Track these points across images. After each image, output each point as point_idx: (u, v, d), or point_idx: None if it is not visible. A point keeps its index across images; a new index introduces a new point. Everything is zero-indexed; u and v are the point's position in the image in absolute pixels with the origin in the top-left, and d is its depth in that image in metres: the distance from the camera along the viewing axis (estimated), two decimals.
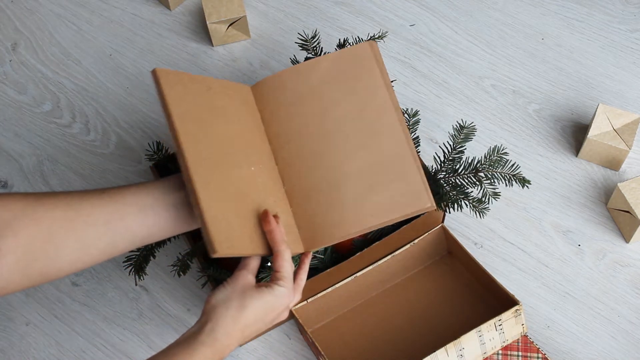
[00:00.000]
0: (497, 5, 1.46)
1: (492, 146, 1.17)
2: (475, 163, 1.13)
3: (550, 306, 1.21)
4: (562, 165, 1.31)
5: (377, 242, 1.12)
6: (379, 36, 1.22)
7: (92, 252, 0.89)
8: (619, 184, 1.23)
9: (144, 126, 1.37)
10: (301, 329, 1.17)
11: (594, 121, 1.27)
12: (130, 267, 1.14)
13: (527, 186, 1.13)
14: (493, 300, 1.17)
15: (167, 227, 0.92)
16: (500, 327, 1.11)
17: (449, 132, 1.22)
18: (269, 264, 1.06)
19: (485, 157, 1.13)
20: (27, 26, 1.47)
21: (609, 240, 1.25)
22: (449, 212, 1.21)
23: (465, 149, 1.15)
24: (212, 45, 1.43)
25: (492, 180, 1.12)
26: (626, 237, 1.25)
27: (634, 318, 1.20)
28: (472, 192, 1.14)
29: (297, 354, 1.19)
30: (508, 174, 1.12)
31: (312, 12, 1.47)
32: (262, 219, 0.93)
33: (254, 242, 0.91)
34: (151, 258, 1.15)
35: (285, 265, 0.92)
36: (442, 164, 1.15)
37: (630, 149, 1.26)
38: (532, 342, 1.16)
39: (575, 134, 1.34)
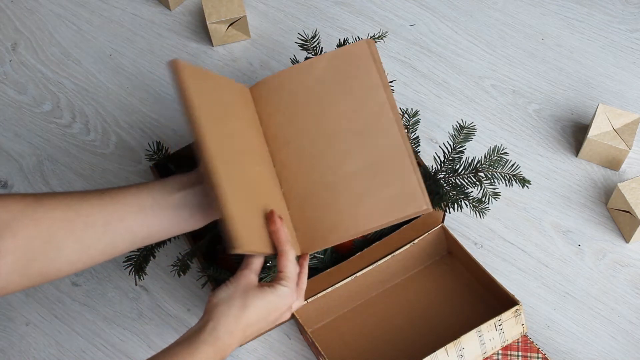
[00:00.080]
0: (497, 5, 1.46)
1: (492, 146, 1.17)
2: (475, 163, 1.13)
3: (550, 306, 1.21)
4: (562, 165, 1.32)
5: (377, 242, 1.12)
6: (379, 36, 1.22)
7: (91, 252, 0.88)
8: (619, 184, 1.23)
9: (144, 126, 1.37)
10: (301, 329, 1.17)
11: (594, 121, 1.27)
12: (130, 267, 1.14)
13: (527, 186, 1.13)
14: (493, 300, 1.17)
15: (167, 228, 0.92)
16: (500, 327, 1.11)
17: (449, 132, 1.22)
18: (269, 263, 1.06)
19: (485, 157, 1.13)
20: (27, 26, 1.47)
21: (609, 240, 1.25)
22: (449, 212, 1.21)
23: (465, 149, 1.15)
24: (212, 45, 1.43)
25: (492, 180, 1.12)
26: (626, 237, 1.25)
27: (634, 318, 1.20)
28: (472, 192, 1.14)
29: (297, 354, 1.19)
30: (508, 174, 1.12)
31: (312, 12, 1.47)
32: (269, 218, 0.93)
33: (264, 241, 0.92)
34: (151, 258, 1.15)
35: (289, 266, 0.92)
36: (442, 164, 1.15)
37: (630, 149, 1.26)
38: (532, 342, 1.16)
39: (575, 134, 1.34)
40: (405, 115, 1.18)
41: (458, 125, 1.15)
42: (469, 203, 1.12)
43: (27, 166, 1.34)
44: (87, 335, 1.22)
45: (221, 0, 1.39)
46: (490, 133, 1.34)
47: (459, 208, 1.13)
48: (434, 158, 1.16)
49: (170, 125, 1.37)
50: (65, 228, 0.86)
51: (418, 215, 0.97)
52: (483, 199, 1.12)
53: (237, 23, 1.40)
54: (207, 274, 1.11)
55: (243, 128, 0.97)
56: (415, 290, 1.21)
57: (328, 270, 1.11)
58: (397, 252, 1.18)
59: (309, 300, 1.15)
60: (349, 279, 1.17)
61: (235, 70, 1.41)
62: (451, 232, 1.21)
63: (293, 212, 0.98)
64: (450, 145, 1.15)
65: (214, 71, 1.41)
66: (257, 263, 0.92)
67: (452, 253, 1.23)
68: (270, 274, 1.05)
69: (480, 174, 1.12)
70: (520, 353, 1.15)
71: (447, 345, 1.08)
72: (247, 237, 0.87)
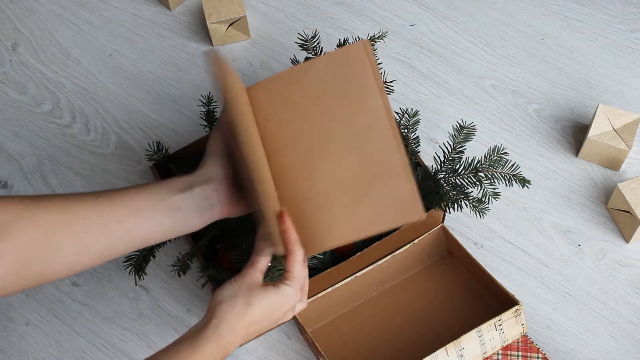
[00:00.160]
0: (497, 5, 1.46)
1: (492, 146, 1.17)
2: (475, 163, 1.13)
3: (550, 306, 1.21)
4: (562, 165, 1.32)
5: (377, 242, 1.12)
6: (379, 36, 1.22)
7: (89, 255, 0.88)
8: (619, 184, 1.23)
9: (144, 126, 1.37)
10: (301, 329, 1.17)
11: (594, 121, 1.27)
12: (130, 267, 1.14)
13: (527, 186, 1.13)
14: (493, 300, 1.17)
15: (165, 231, 0.92)
16: (500, 327, 1.11)
17: (449, 132, 1.22)
18: (269, 264, 1.06)
19: (485, 157, 1.13)
20: (27, 26, 1.47)
21: (609, 240, 1.25)
22: (449, 212, 1.21)
23: (465, 149, 1.15)
24: (212, 45, 1.43)
25: (492, 180, 1.12)
26: (626, 237, 1.25)
27: (634, 318, 1.20)
28: (472, 192, 1.14)
29: (297, 354, 1.19)
30: (508, 174, 1.12)
31: (312, 12, 1.47)
32: (279, 218, 0.93)
33: (279, 240, 0.92)
34: (151, 258, 1.15)
35: (296, 266, 0.92)
36: (442, 164, 1.15)
37: (630, 149, 1.26)
38: (532, 342, 1.16)
39: (575, 134, 1.34)
40: (405, 115, 1.17)
41: (458, 125, 1.15)
42: (469, 203, 1.12)
43: (27, 166, 1.34)
44: (87, 335, 1.22)
45: (221, 0, 1.39)
46: (490, 133, 1.34)
47: (459, 208, 1.13)
48: (434, 158, 1.16)
49: (170, 125, 1.37)
50: (63, 230, 0.86)
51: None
52: (483, 199, 1.12)
53: (237, 23, 1.40)
54: (207, 274, 1.11)
55: (254, 127, 0.98)
56: (415, 290, 1.21)
57: (328, 270, 1.11)
58: (397, 252, 1.18)
59: (309, 300, 1.15)
60: (349, 279, 1.17)
61: (236, 70, 1.41)
62: (451, 232, 1.21)
63: None
64: (450, 145, 1.15)
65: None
66: (263, 262, 0.92)
67: (452, 253, 1.23)
68: (269, 274, 1.05)
69: (480, 174, 1.12)
70: (520, 353, 1.15)
71: (447, 345, 1.08)
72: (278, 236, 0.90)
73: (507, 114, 1.36)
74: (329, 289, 1.16)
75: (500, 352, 1.15)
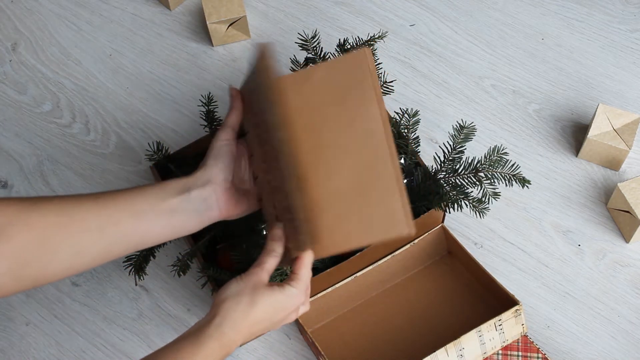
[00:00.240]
0: (497, 5, 1.46)
1: (492, 146, 1.17)
2: (475, 163, 1.13)
3: (550, 306, 1.21)
4: (562, 165, 1.32)
5: None
6: (379, 36, 1.22)
7: (85, 257, 0.88)
8: (619, 184, 1.23)
9: (144, 126, 1.37)
10: (301, 329, 1.17)
11: (594, 121, 1.27)
12: (130, 267, 1.14)
13: (527, 186, 1.13)
14: (493, 300, 1.17)
15: (162, 233, 0.92)
16: (500, 327, 1.11)
17: (449, 132, 1.22)
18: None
19: (485, 157, 1.13)
20: (27, 26, 1.47)
21: (609, 240, 1.25)
22: (449, 212, 1.21)
23: (465, 149, 1.15)
24: (212, 45, 1.43)
25: (492, 180, 1.12)
26: (626, 237, 1.25)
27: (634, 318, 1.20)
28: (472, 192, 1.14)
29: (297, 354, 1.19)
30: (508, 174, 1.12)
31: (312, 12, 1.47)
32: None
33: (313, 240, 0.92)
34: (151, 258, 1.15)
35: (304, 269, 0.92)
36: (442, 164, 1.15)
37: (630, 149, 1.26)
38: (532, 342, 1.16)
39: (575, 134, 1.34)
40: (405, 115, 1.17)
41: (458, 125, 1.15)
42: (469, 203, 1.12)
43: (27, 166, 1.34)
44: (87, 335, 1.22)
45: (221, 0, 1.39)
46: (490, 133, 1.34)
47: (459, 208, 1.13)
48: (434, 158, 1.16)
49: (170, 125, 1.37)
50: (60, 233, 0.86)
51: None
52: (483, 199, 1.12)
53: (237, 23, 1.40)
54: (207, 274, 1.11)
55: None
56: (415, 290, 1.21)
57: (328, 270, 1.11)
58: (397, 252, 1.18)
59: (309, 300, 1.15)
60: (349, 279, 1.17)
61: (235, 70, 1.41)
62: (451, 232, 1.21)
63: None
64: (450, 145, 1.15)
65: (214, 71, 1.41)
66: (271, 263, 0.92)
67: (452, 253, 1.23)
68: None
69: (480, 174, 1.12)
70: (520, 353, 1.15)
71: (447, 345, 1.08)
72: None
73: (507, 114, 1.36)
74: (329, 289, 1.16)
75: (500, 352, 1.15)
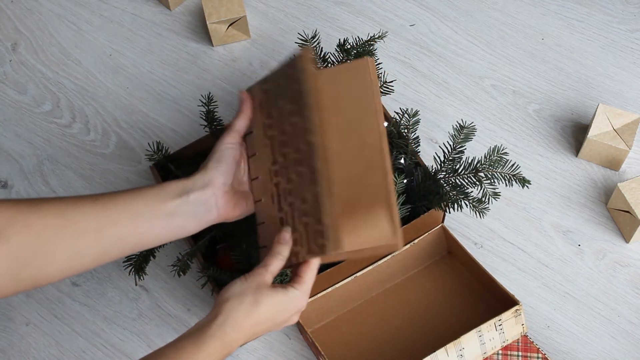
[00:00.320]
0: (497, 5, 1.46)
1: (492, 146, 1.17)
2: (475, 163, 1.13)
3: (550, 306, 1.21)
4: (562, 165, 1.31)
5: None
6: (379, 36, 1.22)
7: (83, 259, 0.88)
8: (619, 184, 1.22)
9: (144, 126, 1.37)
10: (301, 329, 1.17)
11: (594, 121, 1.27)
12: (130, 267, 1.14)
13: (527, 186, 1.13)
14: (493, 300, 1.17)
15: (160, 235, 0.92)
16: (500, 327, 1.11)
17: (449, 132, 1.22)
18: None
19: (485, 157, 1.13)
20: (27, 26, 1.47)
21: (609, 240, 1.25)
22: (449, 212, 1.21)
23: (465, 149, 1.15)
24: (212, 45, 1.43)
25: (492, 180, 1.12)
26: (626, 237, 1.25)
27: (634, 318, 1.20)
28: (472, 192, 1.14)
29: (297, 354, 1.19)
30: (508, 174, 1.12)
31: (312, 12, 1.47)
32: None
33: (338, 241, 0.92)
34: (151, 258, 1.15)
35: (309, 273, 0.92)
36: (442, 164, 1.15)
37: (630, 149, 1.26)
38: (532, 342, 1.16)
39: (575, 134, 1.34)
40: (405, 115, 1.17)
41: (458, 125, 1.15)
42: (469, 203, 1.12)
43: (27, 166, 1.34)
44: (87, 335, 1.22)
45: (221, 0, 1.39)
46: (490, 133, 1.34)
47: (459, 208, 1.13)
48: (434, 158, 1.16)
49: (170, 125, 1.37)
50: (57, 234, 0.86)
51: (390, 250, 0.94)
52: (483, 199, 1.12)
53: (237, 23, 1.40)
54: (207, 274, 1.11)
55: None
56: (415, 290, 1.21)
57: (328, 270, 1.11)
58: (397, 252, 1.18)
59: (309, 300, 1.15)
60: (349, 279, 1.17)
61: (235, 70, 1.41)
62: (451, 232, 1.21)
63: None
64: (450, 145, 1.15)
65: (214, 71, 1.41)
66: (276, 266, 0.92)
67: (452, 253, 1.23)
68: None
69: (480, 174, 1.12)
70: (520, 353, 1.15)
71: (447, 345, 1.08)
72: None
73: (507, 114, 1.36)
74: (329, 289, 1.16)
75: (500, 352, 1.15)
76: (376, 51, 1.23)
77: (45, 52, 1.44)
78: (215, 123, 1.19)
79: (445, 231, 1.21)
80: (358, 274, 1.17)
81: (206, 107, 1.20)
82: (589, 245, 1.25)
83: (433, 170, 1.15)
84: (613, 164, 1.29)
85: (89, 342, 1.21)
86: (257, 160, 0.99)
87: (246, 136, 1.01)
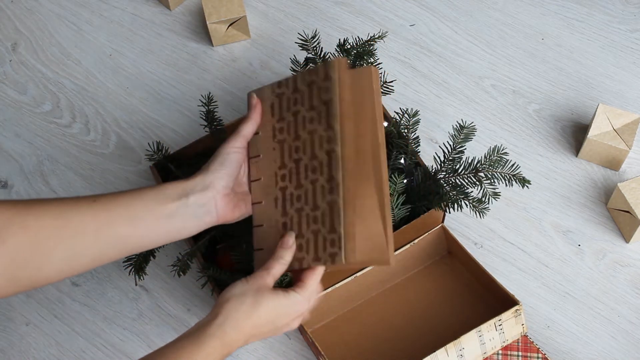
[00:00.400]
0: (497, 5, 1.46)
1: (492, 146, 1.17)
2: (475, 163, 1.13)
3: (550, 306, 1.21)
4: (562, 165, 1.31)
5: None
6: (379, 36, 1.22)
7: (81, 260, 0.88)
8: (619, 184, 1.22)
9: (144, 126, 1.37)
10: (301, 329, 1.17)
11: (594, 121, 1.27)
12: (130, 267, 1.14)
13: (527, 186, 1.13)
14: (493, 300, 1.17)
15: (159, 237, 0.92)
16: (500, 327, 1.11)
17: (449, 132, 1.22)
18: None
19: (485, 157, 1.13)
20: (27, 26, 1.47)
21: (609, 240, 1.25)
22: (449, 212, 1.21)
23: (465, 149, 1.15)
24: (212, 45, 1.43)
25: (492, 180, 1.12)
26: (626, 237, 1.25)
27: (634, 318, 1.20)
28: (472, 192, 1.14)
29: (297, 354, 1.19)
30: (508, 174, 1.12)
31: (312, 12, 1.47)
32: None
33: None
34: (151, 258, 1.15)
35: (313, 279, 0.92)
36: (442, 164, 1.15)
37: (630, 149, 1.26)
38: (532, 342, 1.16)
39: (575, 134, 1.34)
40: (405, 115, 1.17)
41: (458, 125, 1.15)
42: (469, 203, 1.12)
43: (27, 166, 1.34)
44: (87, 335, 1.22)
45: (221, 0, 1.39)
46: (490, 133, 1.34)
47: (459, 208, 1.13)
48: (434, 158, 1.16)
49: (170, 125, 1.37)
50: (55, 236, 0.86)
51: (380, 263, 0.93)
52: (483, 199, 1.12)
53: (237, 23, 1.40)
54: (207, 274, 1.11)
55: None
56: (415, 290, 1.21)
57: (328, 270, 1.11)
58: (397, 252, 1.18)
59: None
60: (349, 279, 1.17)
61: (235, 70, 1.41)
62: (451, 232, 1.21)
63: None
64: (450, 145, 1.15)
65: (214, 71, 1.41)
66: (278, 269, 0.92)
67: (452, 253, 1.23)
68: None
69: (480, 174, 1.12)
70: (520, 353, 1.15)
71: (447, 345, 1.08)
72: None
73: (507, 114, 1.36)
74: (329, 289, 1.16)
75: (500, 352, 1.15)
76: (376, 51, 1.22)
77: (45, 52, 1.44)
78: (215, 123, 1.19)
79: (445, 231, 1.21)
80: (358, 274, 1.17)
81: (206, 107, 1.20)
82: (589, 245, 1.25)
83: (433, 170, 1.15)
84: (613, 164, 1.29)
85: (89, 342, 1.21)
86: (260, 162, 0.99)
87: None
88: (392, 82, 1.27)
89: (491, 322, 1.10)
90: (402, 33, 1.44)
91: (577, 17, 1.44)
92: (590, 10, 1.45)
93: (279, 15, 1.46)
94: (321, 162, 0.92)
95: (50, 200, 0.88)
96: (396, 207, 1.12)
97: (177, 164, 1.21)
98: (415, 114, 1.18)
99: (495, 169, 1.12)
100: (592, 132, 1.27)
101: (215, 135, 1.19)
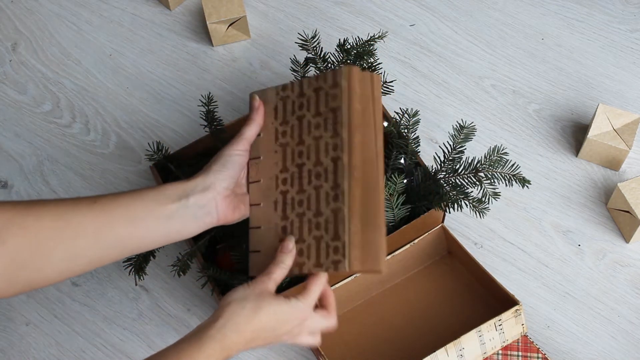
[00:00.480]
0: (497, 5, 1.46)
1: (492, 146, 1.17)
2: (475, 163, 1.13)
3: (550, 306, 1.21)
4: (562, 165, 1.31)
5: None
6: (379, 36, 1.22)
7: (80, 261, 0.88)
8: (619, 184, 1.22)
9: (144, 126, 1.37)
10: None
11: (594, 121, 1.27)
12: (130, 267, 1.14)
13: (527, 186, 1.13)
14: (493, 300, 1.17)
15: (159, 238, 0.92)
16: (500, 327, 1.11)
17: (449, 132, 1.22)
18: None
19: (485, 157, 1.13)
20: (27, 26, 1.47)
21: (609, 240, 1.25)
22: (449, 212, 1.21)
23: (465, 149, 1.15)
24: (212, 45, 1.43)
25: (492, 180, 1.12)
26: (626, 237, 1.25)
27: (634, 318, 1.20)
28: (472, 192, 1.14)
29: (297, 354, 1.19)
30: (508, 174, 1.12)
31: (312, 12, 1.47)
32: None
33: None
34: (151, 258, 1.15)
35: (315, 286, 0.92)
36: (442, 164, 1.15)
37: (630, 149, 1.26)
38: (532, 342, 1.16)
39: (575, 134, 1.34)
40: (405, 115, 1.17)
41: (458, 125, 1.15)
42: (469, 203, 1.12)
43: (27, 166, 1.34)
44: (87, 335, 1.22)
45: (221, 0, 1.39)
46: (490, 133, 1.34)
47: (459, 208, 1.13)
48: (434, 158, 1.16)
49: (170, 125, 1.37)
50: (55, 237, 0.86)
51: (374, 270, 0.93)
52: (483, 199, 1.12)
53: (237, 23, 1.40)
54: (207, 274, 1.11)
55: None
56: (415, 290, 1.21)
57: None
58: (397, 252, 1.18)
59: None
60: (349, 279, 1.17)
61: (235, 70, 1.41)
62: (451, 232, 1.21)
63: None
64: (450, 145, 1.15)
65: (214, 71, 1.41)
66: (279, 274, 0.92)
67: (452, 253, 1.23)
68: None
69: (480, 174, 1.12)
70: (520, 353, 1.15)
71: (447, 345, 1.08)
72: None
73: (507, 114, 1.36)
74: None
75: (500, 352, 1.15)
76: (376, 51, 1.22)
77: (45, 52, 1.44)
78: (215, 123, 1.19)
79: (445, 231, 1.21)
80: (358, 274, 1.17)
81: (206, 107, 1.20)
82: (589, 245, 1.25)
83: (433, 170, 1.15)
84: (613, 164, 1.29)
85: (89, 342, 1.21)
86: (260, 163, 0.99)
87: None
88: (392, 82, 1.27)
89: (491, 322, 1.10)
90: (402, 33, 1.44)
91: (577, 17, 1.44)
92: (590, 10, 1.45)
93: (279, 15, 1.46)
94: (326, 169, 0.91)
95: (50, 201, 0.88)
96: (396, 207, 1.12)
97: (177, 164, 1.21)
98: (415, 114, 1.18)
99: (495, 169, 1.12)
100: (592, 132, 1.27)
101: (215, 135, 1.19)
